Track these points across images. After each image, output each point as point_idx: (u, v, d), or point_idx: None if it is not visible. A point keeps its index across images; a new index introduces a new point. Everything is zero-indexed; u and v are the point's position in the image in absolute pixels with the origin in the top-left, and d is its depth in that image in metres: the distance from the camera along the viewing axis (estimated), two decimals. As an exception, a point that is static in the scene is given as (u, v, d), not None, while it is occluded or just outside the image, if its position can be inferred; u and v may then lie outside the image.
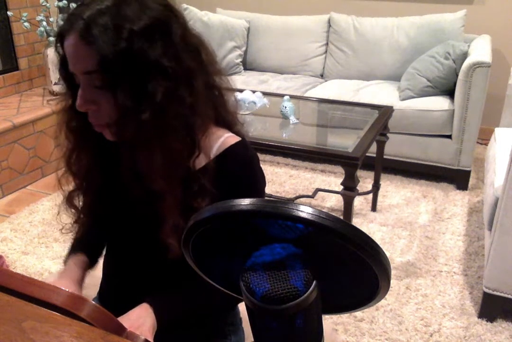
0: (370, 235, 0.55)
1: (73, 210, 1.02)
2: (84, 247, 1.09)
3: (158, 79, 0.81)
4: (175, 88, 0.83)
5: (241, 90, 2.50)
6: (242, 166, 0.93)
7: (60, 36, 0.83)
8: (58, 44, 0.85)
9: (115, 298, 1.10)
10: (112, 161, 0.96)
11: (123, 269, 1.08)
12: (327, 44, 3.48)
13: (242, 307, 1.11)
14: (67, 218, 1.04)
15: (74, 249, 1.08)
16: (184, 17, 0.88)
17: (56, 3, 3.18)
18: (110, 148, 0.94)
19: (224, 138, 0.93)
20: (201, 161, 0.90)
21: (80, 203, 1.02)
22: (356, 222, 2.49)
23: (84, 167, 0.96)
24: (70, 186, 1.01)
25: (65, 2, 3.15)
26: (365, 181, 2.92)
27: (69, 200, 1.00)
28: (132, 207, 0.96)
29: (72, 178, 0.98)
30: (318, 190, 2.76)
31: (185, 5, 3.55)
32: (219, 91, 0.94)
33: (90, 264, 1.08)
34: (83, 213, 1.03)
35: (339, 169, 3.00)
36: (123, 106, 0.81)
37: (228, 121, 0.97)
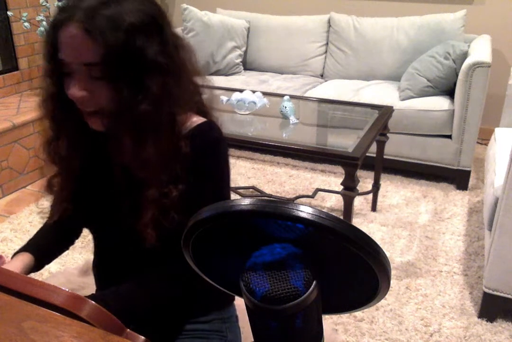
0: (370, 235, 0.55)
1: (54, 196, 1.03)
2: (38, 248, 1.09)
3: (154, 74, 0.84)
4: (168, 83, 0.86)
5: (241, 90, 2.50)
6: (204, 146, 0.93)
7: (56, 26, 0.83)
8: (51, 34, 0.84)
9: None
10: (93, 151, 0.98)
11: (106, 261, 1.10)
12: (327, 44, 3.48)
13: (239, 305, 1.12)
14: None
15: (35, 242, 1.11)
16: (168, 16, 0.91)
17: (56, 3, 3.18)
18: (92, 137, 0.95)
19: (192, 121, 0.96)
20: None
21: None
22: (356, 222, 2.49)
23: (65, 155, 0.96)
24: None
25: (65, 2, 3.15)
26: (365, 181, 2.92)
27: (49, 186, 1.01)
28: (113, 196, 0.97)
29: (53, 165, 0.99)
30: (318, 190, 2.76)
31: (185, 5, 3.55)
32: (195, 87, 0.97)
33: (36, 265, 1.07)
34: (65, 200, 1.03)
35: (339, 169, 3.00)
36: (123, 98, 0.83)
37: (204, 113, 1.00)
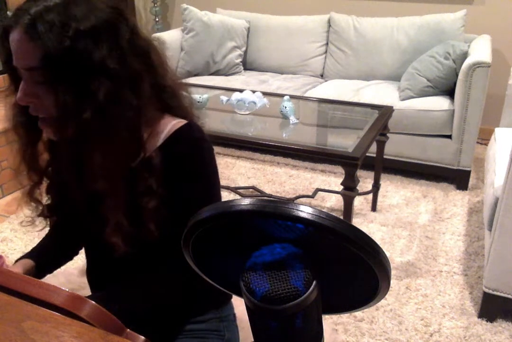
0: (370, 235, 0.55)
1: (33, 204, 1.03)
2: (40, 255, 1.09)
3: (101, 79, 0.82)
4: (119, 90, 0.83)
5: (241, 90, 2.50)
6: (186, 147, 0.92)
7: (5, 31, 0.83)
8: (4, 39, 0.84)
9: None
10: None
11: (96, 268, 1.10)
12: (327, 44, 3.48)
13: (239, 305, 1.12)
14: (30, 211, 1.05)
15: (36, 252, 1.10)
16: (133, 21, 0.89)
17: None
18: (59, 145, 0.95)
19: (172, 125, 0.94)
20: (146, 155, 0.91)
21: (43, 198, 1.03)
22: (356, 222, 2.49)
23: (39, 162, 0.96)
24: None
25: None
26: (365, 181, 2.92)
27: (29, 194, 1.01)
28: (83, 205, 0.97)
29: (28, 173, 0.98)
30: (318, 190, 2.76)
31: (185, 5, 3.55)
32: (172, 91, 0.96)
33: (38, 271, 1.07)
34: (49, 211, 1.03)
35: (339, 169, 3.00)
36: (63, 103, 0.82)
37: (183, 117, 0.98)
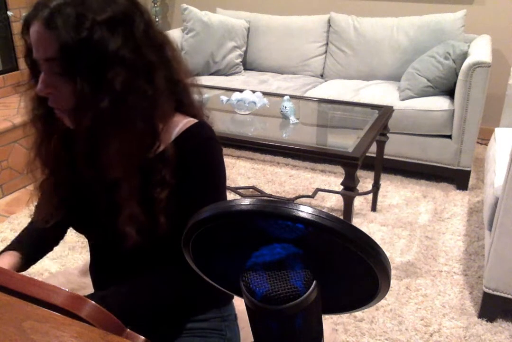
0: (370, 235, 0.55)
1: (42, 200, 1.03)
2: (26, 246, 1.09)
3: (117, 69, 0.84)
4: (135, 79, 0.85)
5: (241, 90, 2.50)
6: (196, 146, 0.94)
7: (26, 24, 0.85)
8: (25, 32, 0.87)
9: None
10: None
11: (101, 263, 1.10)
12: (327, 44, 3.48)
13: (239, 305, 1.12)
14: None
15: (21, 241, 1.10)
16: (149, 14, 0.91)
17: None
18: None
19: (184, 123, 0.96)
20: (160, 148, 0.93)
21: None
22: (356, 222, 2.49)
23: (53, 156, 0.97)
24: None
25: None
26: (365, 181, 2.92)
27: (41, 188, 1.01)
28: (97, 195, 0.98)
29: (41, 167, 0.99)
30: (318, 190, 2.76)
31: (185, 5, 3.55)
32: (184, 87, 0.97)
33: (25, 261, 1.07)
34: (56, 206, 1.03)
35: (339, 169, 3.00)
36: (81, 93, 0.83)
37: (194, 116, 0.99)
